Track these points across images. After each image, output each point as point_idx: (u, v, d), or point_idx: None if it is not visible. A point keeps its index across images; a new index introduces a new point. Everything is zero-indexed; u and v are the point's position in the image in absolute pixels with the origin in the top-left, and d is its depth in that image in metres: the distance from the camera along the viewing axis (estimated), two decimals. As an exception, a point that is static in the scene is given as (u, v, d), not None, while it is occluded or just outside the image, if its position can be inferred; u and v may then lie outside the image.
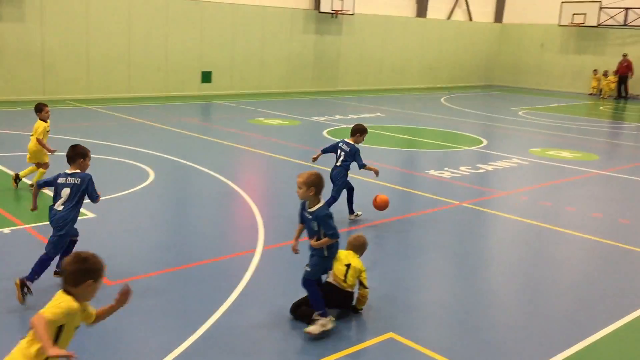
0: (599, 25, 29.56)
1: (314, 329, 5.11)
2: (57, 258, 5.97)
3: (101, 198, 6.07)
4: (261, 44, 24.45)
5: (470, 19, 32.98)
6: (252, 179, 11.39)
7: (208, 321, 5.31)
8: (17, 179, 9.34)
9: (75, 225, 6.02)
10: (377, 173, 8.36)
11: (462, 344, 5.21)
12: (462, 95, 28.01)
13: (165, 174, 10.68)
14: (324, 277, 5.52)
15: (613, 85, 29.34)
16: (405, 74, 30.36)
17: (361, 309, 5.64)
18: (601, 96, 29.55)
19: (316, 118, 18.38)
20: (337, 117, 18.82)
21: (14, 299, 5.51)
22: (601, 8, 29.24)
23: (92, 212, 8.05)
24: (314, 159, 8.72)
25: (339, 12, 25.86)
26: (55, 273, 5.99)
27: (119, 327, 5.26)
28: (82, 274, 3.41)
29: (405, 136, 16.15)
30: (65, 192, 5.73)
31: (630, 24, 29.06)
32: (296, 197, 5.34)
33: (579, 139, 16.76)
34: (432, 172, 11.72)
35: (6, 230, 7.46)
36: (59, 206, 5.77)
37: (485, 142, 15.54)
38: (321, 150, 8.75)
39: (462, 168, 12.14)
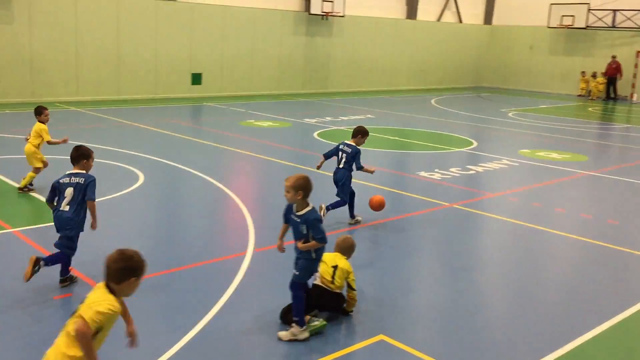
0: (588, 27, 29.77)
1: (284, 335, 5.11)
2: (59, 266, 5.96)
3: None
4: (251, 46, 24.42)
5: (460, 21, 33.11)
6: (242, 181, 11.36)
7: (197, 325, 5.29)
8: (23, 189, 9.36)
9: None
10: (373, 172, 8.41)
11: (453, 346, 5.21)
12: (452, 97, 28.10)
13: (154, 177, 10.63)
14: (310, 281, 5.50)
15: (602, 87, 29.55)
16: (395, 76, 30.43)
17: (351, 312, 5.63)
18: (590, 97, 29.75)
19: (307, 120, 18.37)
20: (328, 118, 18.83)
21: (8, 298, 5.46)
22: (589, 10, 29.45)
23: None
24: (318, 167, 8.67)
25: (329, 13, 25.88)
26: (61, 282, 5.97)
27: (107, 332, 5.23)
28: (126, 271, 3.53)
29: (396, 138, 16.16)
30: (69, 191, 5.80)
31: (618, 26, 29.30)
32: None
33: (568, 140, 16.86)
34: (422, 173, 11.74)
35: (-6, 234, 7.39)
36: (64, 206, 5.82)
37: (475, 143, 15.59)
38: (323, 156, 8.67)
39: (453, 169, 12.17)
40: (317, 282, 5.54)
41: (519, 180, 11.81)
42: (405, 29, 30.18)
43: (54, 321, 5.35)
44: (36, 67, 19.46)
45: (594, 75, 29.76)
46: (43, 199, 8.94)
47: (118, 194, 9.32)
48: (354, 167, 8.30)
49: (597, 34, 30.26)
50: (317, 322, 5.24)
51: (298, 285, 5.15)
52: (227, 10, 23.47)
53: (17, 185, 9.39)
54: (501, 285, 6.77)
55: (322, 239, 5.10)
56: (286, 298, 5.50)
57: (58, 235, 5.97)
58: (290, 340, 5.09)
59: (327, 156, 8.61)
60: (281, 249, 5.49)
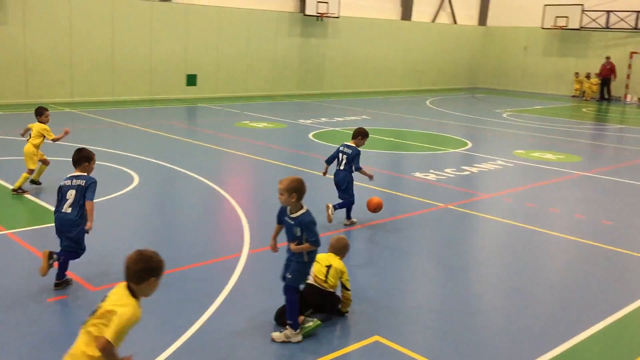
0: (582, 28, 29.89)
1: (277, 336, 5.10)
2: (56, 269, 5.95)
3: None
4: (246, 47, 24.41)
5: (455, 22, 33.19)
6: (237, 182, 11.35)
7: (193, 326, 5.28)
8: (35, 182, 9.59)
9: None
10: (371, 178, 8.37)
11: (448, 347, 5.22)
12: (447, 98, 28.15)
13: (149, 178, 10.61)
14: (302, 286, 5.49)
15: (595, 88, 29.67)
16: (390, 77, 30.46)
17: (346, 312, 5.63)
18: (584, 98, 29.86)
19: (302, 121, 18.37)
20: (323, 119, 18.83)
21: (2, 300, 5.45)
22: (583, 11, 29.56)
23: (76, 217, 7.95)
24: (324, 174, 8.65)
25: (324, 15, 25.90)
26: (56, 285, 5.95)
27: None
28: (146, 272, 3.59)
29: (391, 138, 16.18)
30: (71, 193, 5.87)
31: (612, 27, 29.43)
32: (282, 201, 5.32)
33: (562, 140, 16.91)
34: (417, 174, 11.76)
35: (-13, 236, 7.36)
36: (66, 209, 5.88)
37: (470, 144, 15.62)
38: (326, 162, 8.64)
39: (448, 170, 12.19)
40: (310, 281, 5.54)
41: (513, 180, 11.84)
42: (400, 29, 30.23)
43: (49, 323, 5.34)
44: (31, 68, 19.40)
45: (588, 76, 29.87)
46: (37, 200, 8.94)
47: (113, 195, 9.29)
48: (353, 168, 8.31)
49: (591, 35, 30.38)
50: (311, 323, 5.24)
51: (291, 289, 5.14)
52: (222, 11, 23.45)
53: (10, 187, 9.37)
54: (496, 285, 6.79)
55: (316, 242, 5.09)
56: (281, 299, 5.49)
57: (58, 237, 5.98)
58: (283, 342, 5.08)
59: (329, 161, 8.58)
60: (274, 248, 5.48)
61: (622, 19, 28.99)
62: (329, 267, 5.54)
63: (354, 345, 5.12)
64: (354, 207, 8.48)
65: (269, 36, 25.01)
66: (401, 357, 4.98)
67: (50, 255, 5.78)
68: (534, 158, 13.95)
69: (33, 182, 9.56)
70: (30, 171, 9.24)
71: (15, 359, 4.75)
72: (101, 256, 6.81)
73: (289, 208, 5.16)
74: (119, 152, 12.20)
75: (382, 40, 29.46)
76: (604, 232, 8.72)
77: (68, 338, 5.15)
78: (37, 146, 9.28)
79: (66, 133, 9.36)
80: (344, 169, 8.31)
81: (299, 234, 5.10)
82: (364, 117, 19.98)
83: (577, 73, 30.60)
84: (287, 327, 5.12)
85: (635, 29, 28.70)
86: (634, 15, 28.53)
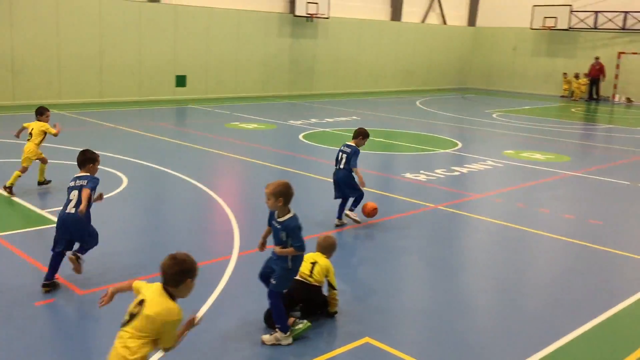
0: (570, 28, 30.07)
1: (267, 339, 5.08)
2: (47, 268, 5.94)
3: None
4: (236, 48, 24.35)
5: (445, 23, 33.29)
6: (227, 184, 11.30)
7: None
8: (43, 182, 9.70)
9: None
10: (362, 184, 8.33)
11: (439, 348, 5.21)
12: (437, 98, 28.22)
13: (138, 180, 10.54)
14: None
15: (584, 88, 29.86)
16: (380, 77, 30.50)
17: (335, 312, 5.61)
18: (572, 98, 30.04)
19: (292, 122, 18.34)
20: (313, 120, 18.81)
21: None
22: (572, 11, 29.75)
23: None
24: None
25: (314, 15, 25.88)
26: (44, 286, 5.91)
27: (90, 337, 5.16)
28: (182, 274, 3.71)
29: (381, 139, 16.19)
30: (74, 194, 6.00)
31: (600, 27, 29.63)
32: (271, 203, 5.29)
33: (551, 140, 16.99)
34: (407, 175, 11.77)
35: (-26, 240, 7.28)
36: (70, 209, 5.97)
37: (460, 144, 15.66)
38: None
39: (438, 171, 12.20)
40: (296, 276, 5.52)
41: (503, 181, 11.87)
42: (389, 30, 30.28)
43: (37, 328, 5.28)
44: (17, 69, 19.23)
45: (577, 76, 30.06)
46: (25, 203, 8.85)
47: (92, 204, 9.19)
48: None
49: (580, 35, 30.57)
50: (301, 325, 5.22)
51: (275, 294, 5.11)
52: (211, 11, 23.37)
53: (2, 188, 9.30)
54: (486, 286, 6.79)
55: (300, 247, 5.07)
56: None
57: (60, 237, 6.00)
58: (273, 345, 5.05)
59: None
60: (261, 247, 5.44)
61: (610, 20, 29.20)
62: (314, 263, 5.54)
63: (344, 347, 5.10)
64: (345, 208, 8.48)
65: (259, 37, 24.96)
66: (392, 358, 4.97)
67: (75, 258, 6.01)
68: (523, 158, 14.01)
69: (41, 183, 9.67)
70: (24, 169, 9.27)
71: (2, 364, 4.70)
72: (89, 259, 6.74)
73: (276, 212, 5.13)
74: (107, 153, 12.11)
75: (372, 41, 29.49)
76: (592, 231, 8.75)
77: (58, 342, 5.11)
78: (38, 144, 9.42)
79: (59, 127, 9.64)
80: (344, 168, 8.31)
81: (284, 238, 5.07)
82: (354, 117, 19.98)
83: (565, 73, 30.79)
84: (277, 329, 5.09)
85: (623, 29, 28.91)
86: (622, 15, 28.75)
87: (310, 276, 5.52)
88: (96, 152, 6.44)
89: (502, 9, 33.16)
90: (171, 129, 16.56)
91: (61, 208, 6.08)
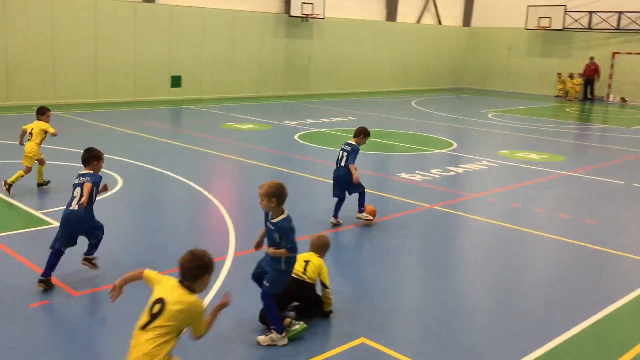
0: (565, 28, 30.16)
1: (263, 339, 5.08)
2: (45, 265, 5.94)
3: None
4: (231, 48, 24.33)
5: (440, 23, 33.34)
6: (223, 184, 11.29)
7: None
8: (42, 183, 9.70)
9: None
10: (355, 179, 8.33)
11: (435, 347, 5.22)
12: (432, 98, 28.26)
13: (133, 181, 10.52)
14: None
15: (579, 88, 29.94)
16: (375, 78, 30.52)
17: (330, 312, 5.61)
18: (567, 98, 30.13)
19: (287, 122, 18.34)
20: (309, 121, 18.81)
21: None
22: (566, 12, 29.83)
23: (57, 221, 7.85)
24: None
25: (309, 16, 25.88)
26: (40, 282, 5.88)
27: (85, 338, 5.14)
28: (200, 269, 3.83)
29: (377, 139, 16.19)
30: (77, 191, 6.08)
31: (594, 27, 29.73)
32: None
33: (546, 140, 17.03)
34: (403, 175, 11.78)
35: (-32, 241, 7.25)
36: (74, 206, 6.04)
37: (455, 144, 15.68)
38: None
39: (433, 171, 12.22)
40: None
41: (498, 181, 11.90)
42: (385, 30, 30.30)
43: (33, 329, 5.26)
44: (12, 69, 19.16)
45: (571, 76, 30.15)
46: (19, 204, 8.82)
47: (96, 198, 9.17)
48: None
49: (574, 35, 30.67)
50: (297, 326, 5.22)
51: (268, 296, 5.10)
52: (207, 12, 23.35)
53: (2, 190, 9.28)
54: (482, 285, 6.80)
55: (292, 249, 5.06)
56: (267, 302, 5.47)
57: (64, 234, 6.04)
58: (269, 346, 5.05)
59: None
60: (257, 247, 5.43)
61: (604, 20, 29.29)
62: (307, 262, 5.55)
63: (340, 348, 5.10)
64: (344, 209, 8.49)
65: (254, 37, 24.94)
66: (387, 358, 4.97)
67: (89, 259, 6.20)
68: (518, 158, 14.04)
69: (40, 184, 9.65)
70: (28, 169, 9.30)
71: (-4, 366, 4.68)
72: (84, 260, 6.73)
73: (270, 213, 5.12)
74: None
75: (367, 41, 29.51)
76: (587, 231, 8.78)
77: (53, 343, 5.09)
78: (39, 144, 9.43)
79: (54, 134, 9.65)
80: (344, 166, 8.33)
81: (278, 239, 5.06)
82: (350, 118, 19.99)
83: (559, 74, 30.89)
84: (272, 330, 5.09)
85: (617, 29, 29.02)
86: (616, 15, 28.85)
87: (304, 273, 5.53)
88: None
89: (497, 9, 33.24)
90: (166, 130, 16.53)
91: (62, 208, 6.09)
